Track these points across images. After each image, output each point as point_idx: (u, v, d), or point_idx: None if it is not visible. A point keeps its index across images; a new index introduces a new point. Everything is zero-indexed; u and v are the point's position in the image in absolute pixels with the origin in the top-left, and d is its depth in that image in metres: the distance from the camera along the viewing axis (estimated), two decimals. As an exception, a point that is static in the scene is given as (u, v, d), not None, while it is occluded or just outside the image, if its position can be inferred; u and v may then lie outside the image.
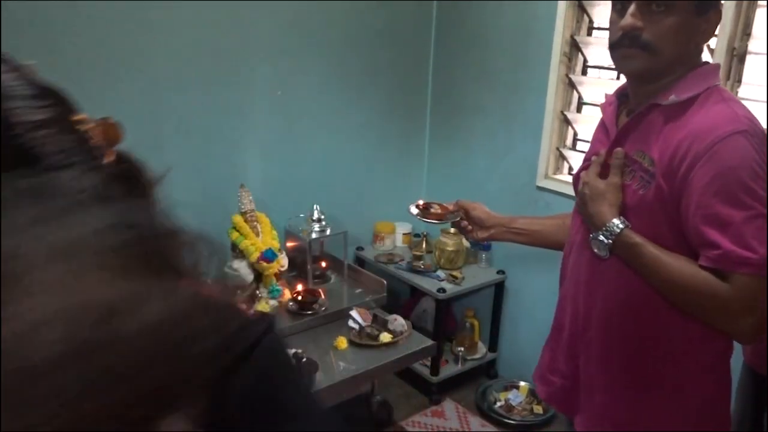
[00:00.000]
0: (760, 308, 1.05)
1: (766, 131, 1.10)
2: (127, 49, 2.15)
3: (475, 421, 2.66)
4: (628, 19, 1.11)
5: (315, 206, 2.46)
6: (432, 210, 1.58)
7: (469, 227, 1.56)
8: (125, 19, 2.11)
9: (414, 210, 1.61)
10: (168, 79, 2.25)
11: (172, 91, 2.27)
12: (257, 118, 2.52)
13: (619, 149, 1.19)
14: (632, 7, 1.11)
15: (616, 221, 1.15)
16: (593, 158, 1.25)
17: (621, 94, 1.30)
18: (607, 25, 2.40)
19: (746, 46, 1.97)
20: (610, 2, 2.45)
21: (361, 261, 2.93)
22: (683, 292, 1.11)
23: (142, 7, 2.13)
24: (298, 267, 2.52)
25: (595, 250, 1.20)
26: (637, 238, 1.13)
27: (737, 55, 1.98)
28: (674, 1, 1.08)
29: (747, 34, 1.97)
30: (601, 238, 1.17)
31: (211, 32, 2.30)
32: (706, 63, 1.19)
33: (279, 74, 2.52)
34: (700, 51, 1.19)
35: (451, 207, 1.56)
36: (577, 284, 1.31)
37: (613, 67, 2.41)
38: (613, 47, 1.17)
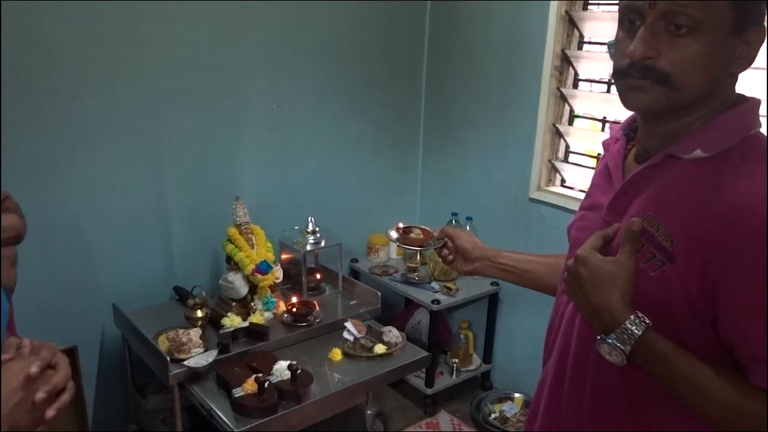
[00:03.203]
0: None
1: None
2: (124, 63, 2.16)
3: (470, 433, 2.66)
4: (637, 47, 0.83)
5: (310, 218, 2.47)
6: (413, 235, 1.44)
7: (450, 257, 1.35)
8: (121, 34, 2.13)
9: (393, 235, 1.45)
10: (163, 92, 2.27)
11: (168, 105, 2.29)
12: (252, 131, 2.53)
13: (635, 219, 0.88)
14: (642, 30, 0.84)
15: (633, 319, 0.85)
16: (597, 232, 0.94)
17: (630, 129, 1.02)
18: (597, 39, 2.45)
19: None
20: (600, 16, 2.48)
21: (355, 273, 2.93)
22: (727, 414, 0.84)
23: (138, 22, 2.15)
24: (292, 279, 2.53)
25: (605, 356, 0.88)
26: (664, 344, 0.84)
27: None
28: (703, 19, 0.81)
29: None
30: (614, 342, 0.86)
31: (206, 46, 2.33)
32: (741, 97, 0.90)
33: (274, 88, 2.54)
34: (734, 81, 0.89)
35: (435, 233, 1.39)
36: (560, 363, 1.03)
37: (605, 80, 2.47)
38: (619, 76, 0.88)
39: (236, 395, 1.83)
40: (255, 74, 2.48)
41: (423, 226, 1.45)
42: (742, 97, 0.90)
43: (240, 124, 2.50)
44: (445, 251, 1.36)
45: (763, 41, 0.86)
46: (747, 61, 0.86)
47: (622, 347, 0.86)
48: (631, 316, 0.85)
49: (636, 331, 0.85)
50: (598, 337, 0.89)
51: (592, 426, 0.98)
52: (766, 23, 0.86)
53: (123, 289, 2.33)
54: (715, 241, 0.80)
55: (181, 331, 2.03)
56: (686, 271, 0.83)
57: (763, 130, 0.90)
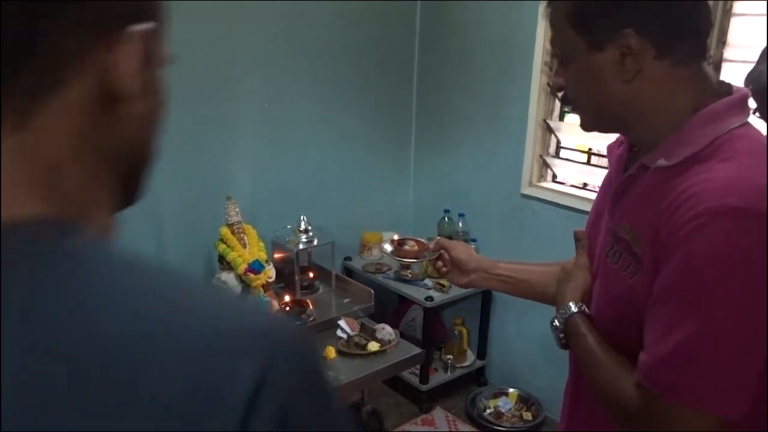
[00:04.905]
0: None
1: None
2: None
3: (465, 429, 2.67)
4: (552, 80, 1.01)
5: (302, 217, 2.47)
6: (407, 246, 1.45)
7: (444, 269, 1.33)
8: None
9: (388, 248, 1.47)
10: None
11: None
12: (244, 130, 2.53)
13: (577, 230, 1.03)
14: (555, 65, 0.96)
15: (571, 304, 0.95)
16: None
17: None
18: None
19: (721, 54, 2.02)
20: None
21: (348, 271, 2.94)
22: (606, 399, 0.89)
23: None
24: (285, 278, 2.53)
25: (555, 341, 0.99)
26: (583, 327, 0.92)
27: (712, 63, 2.02)
28: (564, 50, 0.89)
29: (722, 42, 2.02)
30: (555, 322, 0.97)
31: (198, 45, 2.32)
32: (718, 100, 0.84)
33: (266, 86, 2.54)
34: (669, 86, 0.85)
35: (431, 245, 1.38)
36: (577, 369, 1.05)
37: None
38: None
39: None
40: (247, 73, 2.47)
41: (417, 238, 1.45)
42: (718, 98, 0.85)
43: (232, 124, 2.49)
44: (440, 263, 1.34)
45: (645, 46, 0.81)
46: (653, 71, 0.83)
47: (558, 324, 0.96)
48: (570, 302, 0.96)
49: (567, 312, 0.95)
50: (550, 322, 0.99)
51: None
52: (632, 26, 0.81)
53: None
54: (663, 234, 0.80)
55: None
56: (650, 273, 0.83)
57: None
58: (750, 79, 1.25)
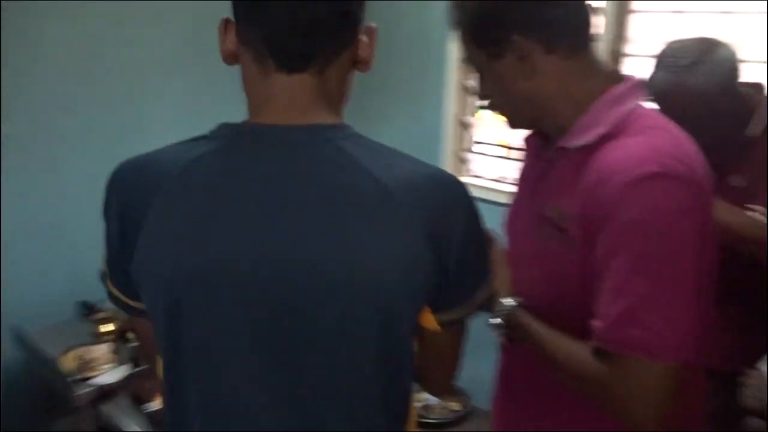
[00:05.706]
0: (655, 397, 0.82)
1: (698, 168, 0.87)
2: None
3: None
4: (478, 91, 1.04)
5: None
6: None
7: None
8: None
9: None
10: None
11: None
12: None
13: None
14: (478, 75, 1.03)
15: (508, 299, 0.99)
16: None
17: None
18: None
19: (620, 48, 2.12)
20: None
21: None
22: (570, 377, 0.92)
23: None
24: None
25: (498, 338, 1.04)
26: (525, 318, 0.96)
27: (615, 58, 2.12)
28: (473, 63, 0.99)
29: (621, 37, 2.11)
30: (496, 321, 1.00)
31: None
32: (618, 83, 0.94)
33: (188, 88, 2.47)
34: (571, 77, 0.94)
35: None
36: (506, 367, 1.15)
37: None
38: None
39: (149, 410, 1.76)
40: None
41: None
42: (616, 82, 0.94)
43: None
44: None
45: (533, 46, 0.91)
46: (549, 72, 0.93)
47: (501, 321, 0.99)
48: (508, 297, 0.99)
49: (506, 307, 0.98)
50: (488, 322, 1.01)
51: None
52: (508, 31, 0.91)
53: (25, 310, 2.18)
54: (592, 207, 0.87)
55: (87, 348, 1.93)
56: (583, 249, 0.89)
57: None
58: (649, 85, 1.34)
